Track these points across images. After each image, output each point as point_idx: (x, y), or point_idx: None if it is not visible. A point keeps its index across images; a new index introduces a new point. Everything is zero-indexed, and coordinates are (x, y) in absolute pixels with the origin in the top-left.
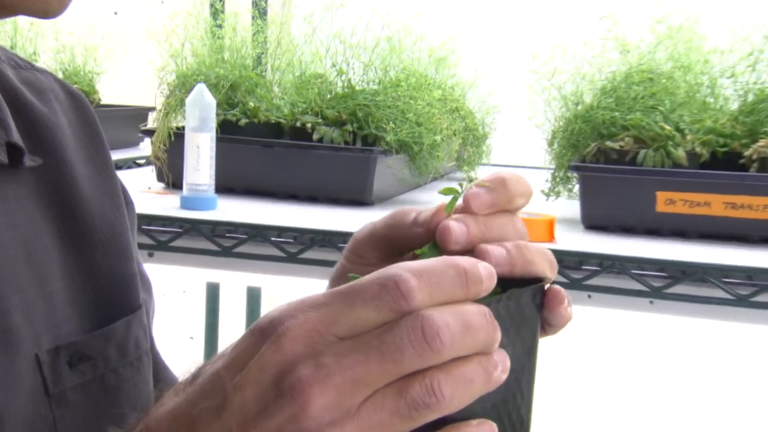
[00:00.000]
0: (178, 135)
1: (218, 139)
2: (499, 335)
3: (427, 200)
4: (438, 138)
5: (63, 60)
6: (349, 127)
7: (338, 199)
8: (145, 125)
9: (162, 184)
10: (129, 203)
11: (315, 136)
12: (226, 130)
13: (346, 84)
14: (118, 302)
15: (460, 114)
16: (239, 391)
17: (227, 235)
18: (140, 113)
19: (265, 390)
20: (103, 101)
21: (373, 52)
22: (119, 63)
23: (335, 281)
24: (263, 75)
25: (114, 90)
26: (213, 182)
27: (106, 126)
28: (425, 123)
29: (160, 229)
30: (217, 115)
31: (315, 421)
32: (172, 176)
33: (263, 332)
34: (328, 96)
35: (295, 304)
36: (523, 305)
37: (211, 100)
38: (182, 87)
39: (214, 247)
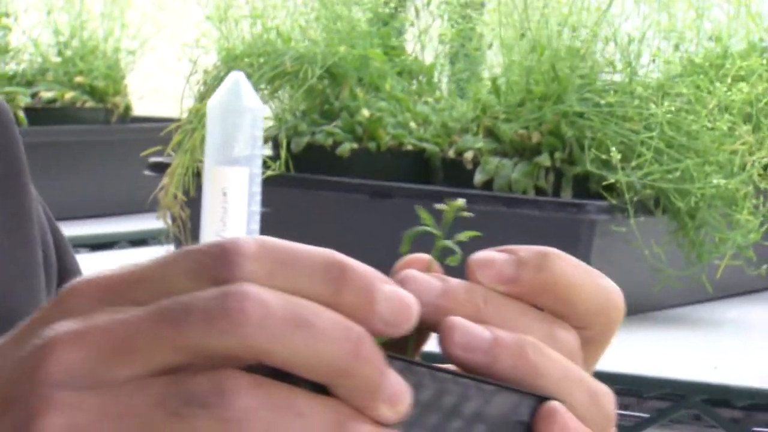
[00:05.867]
0: None
1: (288, 181)
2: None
3: (720, 320)
4: (736, 184)
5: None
6: (544, 159)
7: None
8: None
9: None
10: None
11: (478, 177)
12: (308, 164)
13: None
14: None
15: None
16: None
17: None
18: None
19: (19, 344)
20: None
21: None
22: (150, 44)
23: None
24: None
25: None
26: None
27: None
28: (708, 149)
29: None
30: (299, 133)
31: (48, 380)
32: None
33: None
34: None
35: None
36: (491, 411)
37: (252, 102)
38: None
39: None
